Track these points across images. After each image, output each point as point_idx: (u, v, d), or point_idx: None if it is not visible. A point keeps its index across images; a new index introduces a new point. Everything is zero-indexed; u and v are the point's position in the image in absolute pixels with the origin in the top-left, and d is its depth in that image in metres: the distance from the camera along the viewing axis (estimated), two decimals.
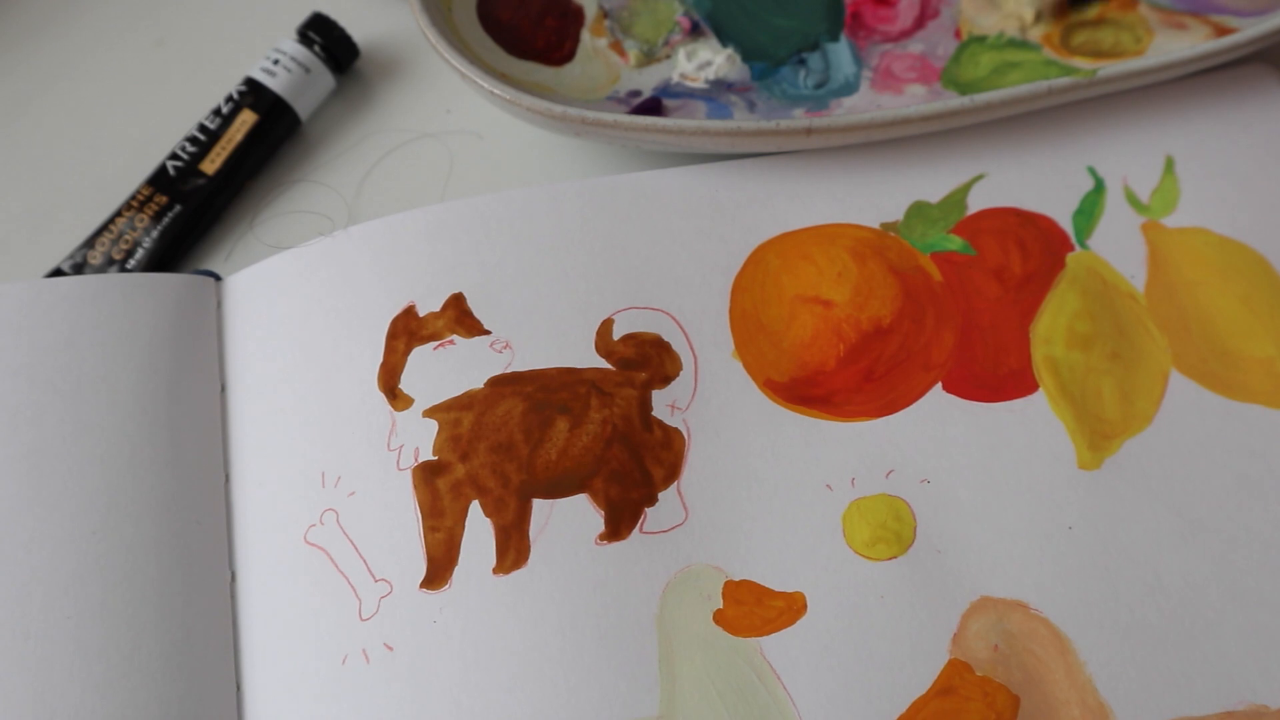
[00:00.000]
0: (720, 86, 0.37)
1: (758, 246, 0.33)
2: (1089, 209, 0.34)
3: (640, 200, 0.34)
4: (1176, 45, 0.37)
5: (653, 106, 0.36)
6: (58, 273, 0.36)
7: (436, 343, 0.32)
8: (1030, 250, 0.33)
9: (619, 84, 0.37)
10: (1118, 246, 0.33)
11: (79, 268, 0.36)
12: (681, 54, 0.38)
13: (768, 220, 0.34)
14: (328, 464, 0.30)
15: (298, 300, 0.33)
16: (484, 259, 0.33)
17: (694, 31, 0.38)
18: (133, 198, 0.37)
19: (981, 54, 0.37)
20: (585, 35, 0.38)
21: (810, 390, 0.31)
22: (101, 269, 0.36)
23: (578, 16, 0.39)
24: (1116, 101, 0.36)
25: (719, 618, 0.28)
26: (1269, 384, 0.31)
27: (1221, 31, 0.37)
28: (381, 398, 0.31)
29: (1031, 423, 0.30)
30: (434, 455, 0.30)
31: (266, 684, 0.28)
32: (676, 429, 0.30)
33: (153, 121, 0.40)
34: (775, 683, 0.27)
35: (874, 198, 0.34)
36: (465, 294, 0.32)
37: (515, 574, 0.28)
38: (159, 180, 0.38)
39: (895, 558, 0.28)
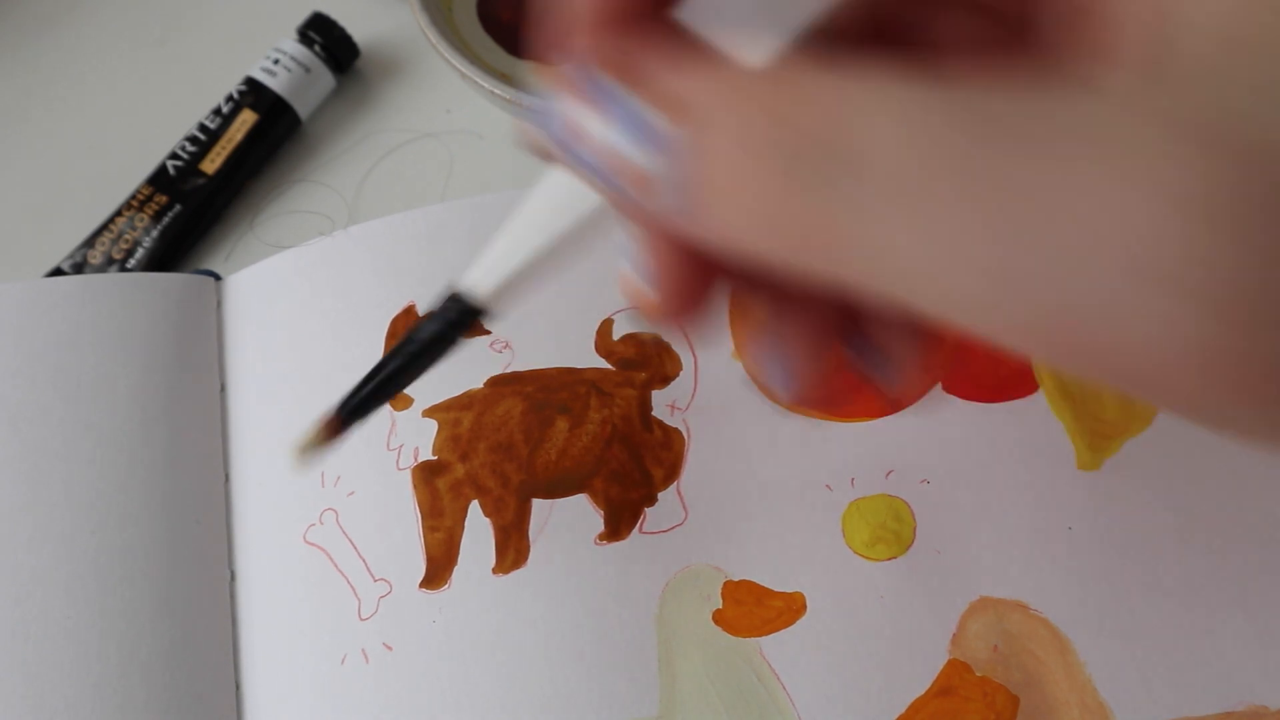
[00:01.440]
0: None
1: None
2: None
3: None
4: None
5: None
6: (58, 272, 0.36)
7: None
8: None
9: None
10: None
11: (79, 267, 0.36)
12: None
13: None
14: (327, 463, 0.30)
15: (298, 300, 0.33)
16: None
17: None
18: (133, 197, 0.37)
19: None
20: None
21: (810, 390, 0.31)
22: (101, 268, 0.36)
23: None
24: None
25: (718, 618, 0.28)
26: None
27: None
28: None
29: (1031, 423, 0.30)
30: (434, 455, 0.30)
31: (266, 683, 0.28)
32: (676, 429, 0.30)
33: (153, 121, 0.40)
34: (774, 683, 0.27)
35: None
36: None
37: (515, 574, 0.28)
38: (159, 180, 0.38)
39: (895, 558, 0.28)
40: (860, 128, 0.13)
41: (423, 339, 0.21)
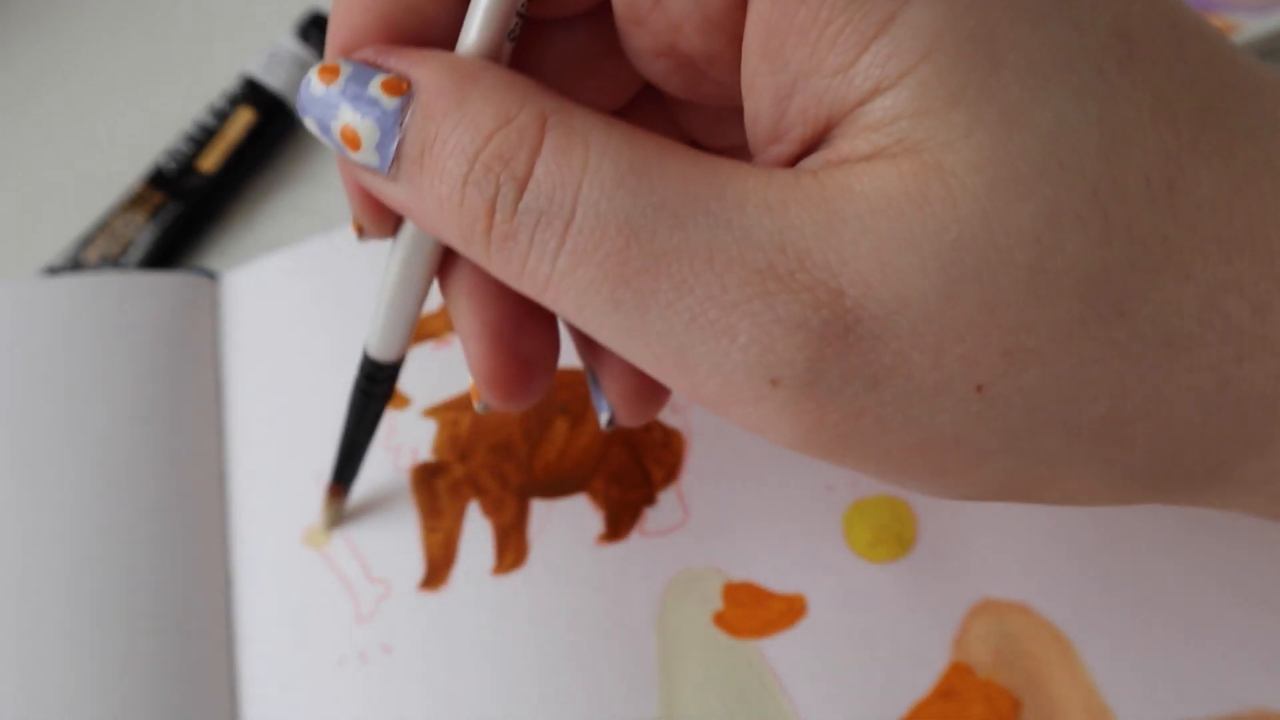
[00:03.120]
0: None
1: None
2: None
3: None
4: None
5: None
6: (53, 270, 0.36)
7: (435, 342, 0.32)
8: None
9: None
10: None
11: (75, 265, 0.36)
12: None
13: None
14: (324, 464, 0.30)
15: (295, 299, 0.33)
16: None
17: None
18: (129, 195, 0.37)
19: None
20: None
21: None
22: (98, 267, 0.36)
23: None
24: None
25: (719, 619, 0.28)
26: None
27: (1227, 30, 0.37)
28: None
29: None
30: (433, 455, 0.30)
31: (262, 686, 0.28)
32: (676, 429, 0.30)
33: (150, 119, 0.40)
34: (775, 685, 0.27)
35: None
36: None
37: (514, 575, 0.28)
38: (156, 178, 0.38)
39: (896, 559, 0.28)
40: (570, 182, 0.15)
41: (350, 406, 0.24)
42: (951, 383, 0.15)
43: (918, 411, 0.15)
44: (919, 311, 0.14)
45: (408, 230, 0.19)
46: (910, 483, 0.16)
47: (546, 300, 0.16)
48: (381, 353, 0.22)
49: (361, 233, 0.20)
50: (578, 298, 0.16)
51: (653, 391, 0.21)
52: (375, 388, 0.23)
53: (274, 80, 0.39)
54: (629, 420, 0.22)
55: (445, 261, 0.20)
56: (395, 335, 0.21)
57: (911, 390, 0.15)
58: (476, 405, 0.21)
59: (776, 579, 0.28)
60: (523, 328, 0.20)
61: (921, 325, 0.14)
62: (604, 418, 0.22)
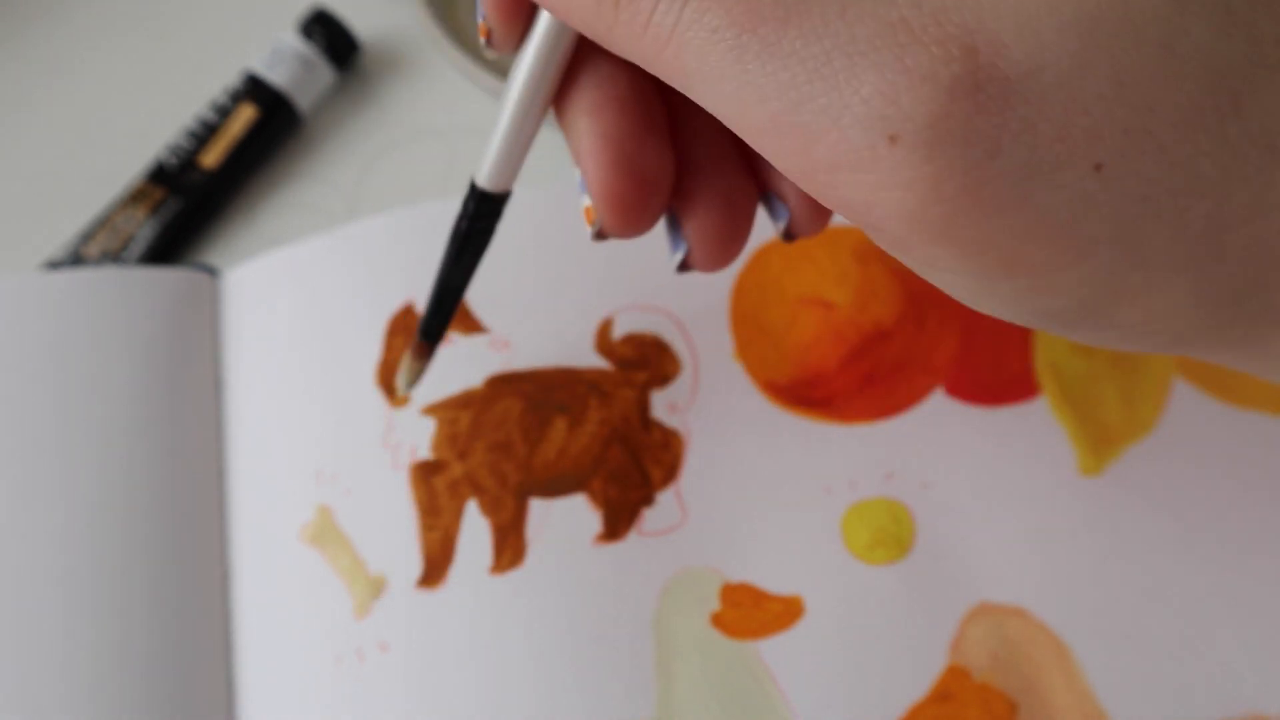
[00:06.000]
0: None
1: (761, 247, 0.33)
2: None
3: None
4: None
5: None
6: (54, 266, 0.36)
7: None
8: None
9: None
10: None
11: (75, 260, 0.36)
12: None
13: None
14: (324, 461, 0.30)
15: (296, 296, 0.33)
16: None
17: None
18: (130, 191, 0.37)
19: None
20: None
21: (811, 392, 0.31)
22: (98, 262, 0.36)
23: None
24: None
25: (716, 620, 0.28)
26: (1271, 390, 0.31)
27: None
28: (379, 395, 0.31)
29: (1033, 428, 0.30)
30: (431, 453, 0.30)
31: (259, 683, 0.28)
32: (675, 430, 0.30)
33: (152, 114, 0.40)
34: (772, 686, 0.27)
35: None
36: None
37: (512, 574, 0.28)
38: (157, 173, 0.38)
39: (894, 562, 0.28)
40: None
41: (449, 249, 0.24)
42: (1073, 157, 0.15)
43: (1034, 186, 0.15)
44: (1052, 77, 0.14)
45: (531, 45, 0.19)
46: (1002, 280, 0.16)
47: (666, 57, 0.16)
48: (493, 183, 0.22)
49: (489, 39, 0.20)
50: (700, 48, 0.16)
51: (732, 230, 0.21)
52: (479, 224, 0.23)
53: (276, 77, 0.39)
54: (705, 264, 0.21)
55: (562, 88, 0.20)
56: (508, 163, 0.21)
57: (1033, 162, 0.15)
58: (590, 229, 0.21)
59: (774, 580, 0.28)
60: (643, 143, 0.20)
61: (1053, 92, 0.14)
62: (678, 258, 0.21)
